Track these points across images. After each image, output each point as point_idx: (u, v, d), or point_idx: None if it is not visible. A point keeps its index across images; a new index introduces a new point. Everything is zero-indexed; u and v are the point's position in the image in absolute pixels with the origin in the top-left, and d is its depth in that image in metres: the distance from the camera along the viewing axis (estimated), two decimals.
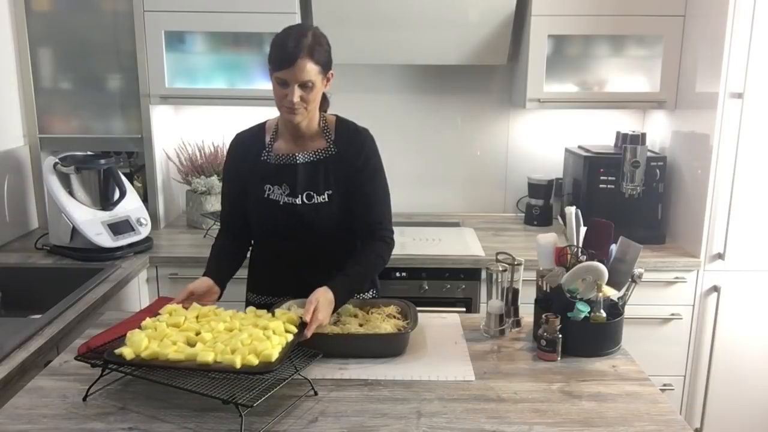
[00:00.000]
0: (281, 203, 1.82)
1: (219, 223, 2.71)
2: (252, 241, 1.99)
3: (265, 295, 1.96)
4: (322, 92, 1.75)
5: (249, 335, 1.47)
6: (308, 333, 1.54)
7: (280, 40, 1.68)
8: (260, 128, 1.91)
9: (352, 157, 1.82)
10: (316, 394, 1.47)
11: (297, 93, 1.67)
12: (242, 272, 1.99)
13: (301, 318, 1.57)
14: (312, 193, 1.81)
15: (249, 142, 1.89)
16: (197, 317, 1.60)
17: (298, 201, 1.81)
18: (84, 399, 1.44)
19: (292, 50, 1.64)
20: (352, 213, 1.83)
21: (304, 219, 1.80)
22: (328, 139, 1.84)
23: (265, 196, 1.83)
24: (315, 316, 1.56)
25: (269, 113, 2.43)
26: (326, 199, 1.81)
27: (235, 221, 1.92)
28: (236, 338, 1.45)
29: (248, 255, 2.02)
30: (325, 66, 1.71)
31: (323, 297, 1.62)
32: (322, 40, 1.71)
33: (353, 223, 1.85)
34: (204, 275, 1.80)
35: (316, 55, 1.67)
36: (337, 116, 1.88)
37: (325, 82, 1.74)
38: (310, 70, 1.66)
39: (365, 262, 1.80)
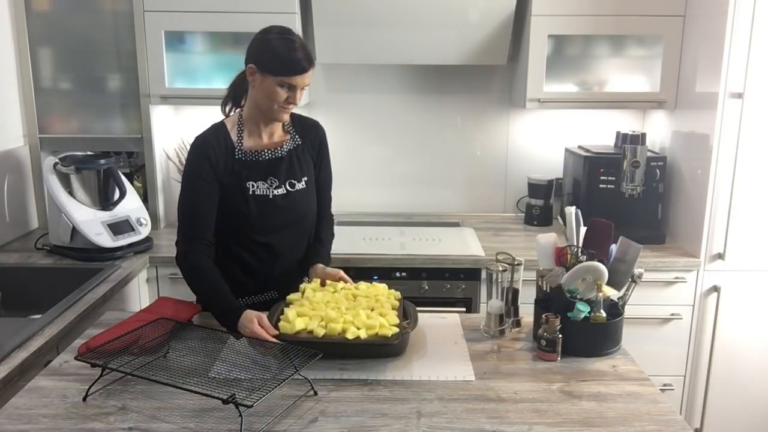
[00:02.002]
0: (271, 196, 1.88)
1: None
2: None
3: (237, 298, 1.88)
4: None
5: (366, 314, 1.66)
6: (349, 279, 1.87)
7: (285, 47, 1.76)
8: (221, 128, 1.90)
9: (315, 147, 2.01)
10: (315, 394, 1.47)
11: (298, 94, 1.81)
12: None
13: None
14: (293, 181, 1.93)
15: (218, 143, 1.87)
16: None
17: (284, 190, 1.90)
18: (84, 399, 1.44)
19: (303, 59, 1.77)
20: (315, 195, 2.02)
21: (293, 206, 1.91)
22: (290, 131, 1.97)
23: (251, 193, 1.87)
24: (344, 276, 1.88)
25: None
26: (304, 186, 1.95)
27: (208, 228, 1.87)
28: (360, 315, 1.64)
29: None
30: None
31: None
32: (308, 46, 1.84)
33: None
34: (236, 306, 1.72)
35: (313, 60, 1.82)
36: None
37: None
38: (311, 74, 1.82)
39: (330, 239, 2.08)
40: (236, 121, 1.91)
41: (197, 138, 1.89)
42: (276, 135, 1.94)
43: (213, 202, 1.86)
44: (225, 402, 1.29)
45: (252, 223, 1.88)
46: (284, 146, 1.93)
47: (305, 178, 1.95)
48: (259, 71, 1.78)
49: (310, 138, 1.99)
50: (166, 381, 1.40)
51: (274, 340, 1.58)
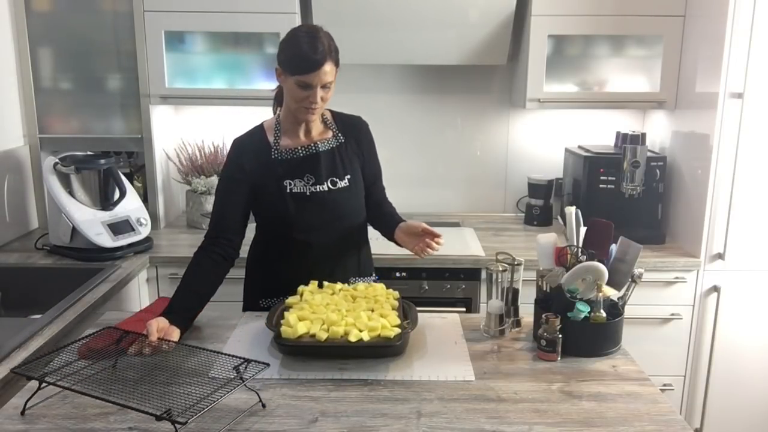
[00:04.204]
0: (308, 194, 1.88)
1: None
2: (255, 248, 2.03)
3: (278, 296, 1.94)
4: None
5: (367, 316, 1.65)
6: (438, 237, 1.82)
7: (298, 46, 1.75)
8: (260, 130, 1.94)
9: (359, 143, 1.98)
10: (264, 407, 1.42)
11: (319, 93, 1.77)
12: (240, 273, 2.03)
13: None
14: (335, 179, 1.91)
15: (253, 144, 1.91)
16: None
17: (325, 188, 1.89)
18: (22, 413, 1.38)
19: (316, 56, 1.73)
20: (362, 193, 1.99)
21: (333, 204, 1.90)
22: (332, 129, 1.96)
23: (288, 191, 1.87)
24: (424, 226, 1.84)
25: (269, 113, 2.42)
26: (347, 184, 1.93)
27: (229, 228, 1.89)
28: (361, 318, 1.62)
29: (254, 258, 2.05)
30: (338, 65, 1.82)
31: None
32: (332, 40, 1.81)
33: (363, 202, 2.01)
34: (166, 312, 1.70)
35: (334, 57, 1.79)
36: (330, 110, 2.00)
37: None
38: (331, 71, 1.78)
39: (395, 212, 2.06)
40: (275, 121, 1.94)
41: (233, 141, 1.95)
42: (315, 132, 1.93)
43: (238, 203, 1.89)
44: (158, 418, 1.24)
45: (290, 221, 1.89)
46: (323, 144, 1.92)
47: (348, 176, 1.93)
48: (282, 72, 1.81)
49: (354, 135, 1.98)
50: (101, 396, 1.33)
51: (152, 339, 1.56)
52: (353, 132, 1.98)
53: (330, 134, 1.95)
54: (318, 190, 1.89)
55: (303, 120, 1.86)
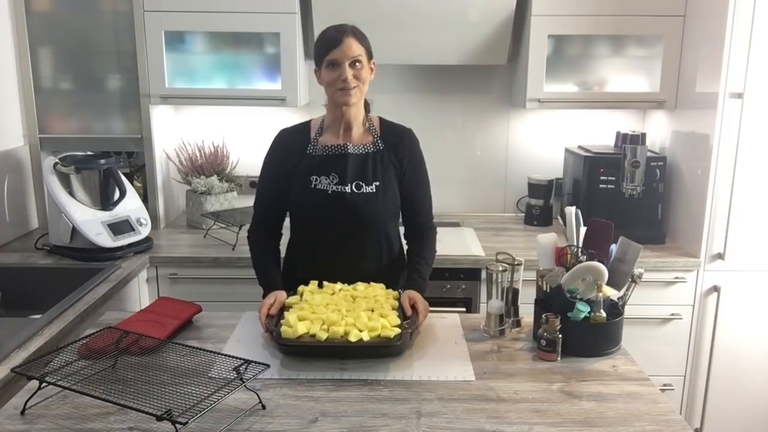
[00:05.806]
0: (329, 192, 1.90)
1: (219, 223, 2.73)
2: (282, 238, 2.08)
3: (293, 287, 1.93)
4: (369, 77, 1.88)
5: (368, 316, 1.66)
6: (421, 321, 1.74)
7: (322, 34, 1.87)
8: (305, 125, 2.00)
9: (400, 156, 1.96)
10: (264, 407, 1.42)
11: (349, 71, 1.81)
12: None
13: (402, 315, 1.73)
14: (361, 182, 1.90)
15: (294, 137, 1.97)
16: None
17: (348, 189, 1.89)
18: (22, 413, 1.39)
19: (338, 33, 1.82)
20: (396, 206, 1.97)
21: (353, 207, 1.89)
22: (374, 135, 1.96)
23: (312, 186, 1.90)
24: (418, 306, 1.76)
25: (269, 113, 2.43)
26: (374, 190, 1.91)
27: (269, 216, 2.01)
28: (361, 318, 1.63)
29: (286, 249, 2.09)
30: (368, 51, 1.88)
31: (418, 295, 1.81)
32: (361, 32, 1.88)
33: (398, 217, 2.00)
34: (269, 284, 1.87)
35: (359, 36, 1.85)
36: (380, 117, 2.01)
37: (370, 70, 1.89)
38: (357, 48, 1.82)
39: (429, 258, 1.98)
40: (320, 120, 1.98)
41: (280, 131, 2.00)
42: (354, 135, 1.94)
43: (275, 192, 1.96)
44: (159, 419, 1.24)
45: (309, 215, 1.92)
46: (356, 147, 1.92)
47: (377, 183, 1.91)
48: (317, 66, 1.87)
49: (394, 145, 1.95)
50: (101, 396, 1.34)
51: (263, 326, 1.71)
52: (394, 142, 1.96)
53: (370, 139, 1.95)
54: (340, 190, 1.89)
55: (343, 104, 1.86)
